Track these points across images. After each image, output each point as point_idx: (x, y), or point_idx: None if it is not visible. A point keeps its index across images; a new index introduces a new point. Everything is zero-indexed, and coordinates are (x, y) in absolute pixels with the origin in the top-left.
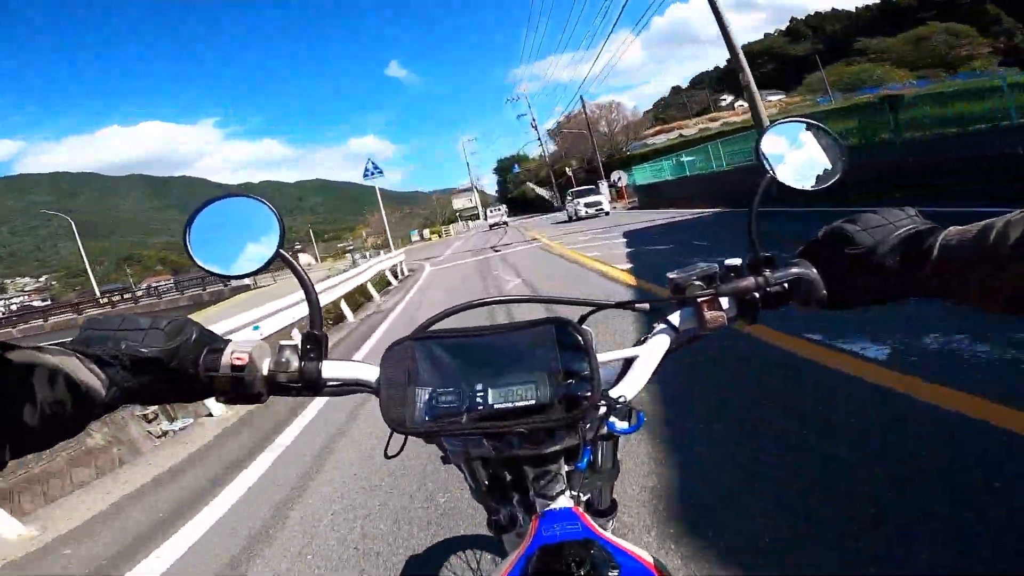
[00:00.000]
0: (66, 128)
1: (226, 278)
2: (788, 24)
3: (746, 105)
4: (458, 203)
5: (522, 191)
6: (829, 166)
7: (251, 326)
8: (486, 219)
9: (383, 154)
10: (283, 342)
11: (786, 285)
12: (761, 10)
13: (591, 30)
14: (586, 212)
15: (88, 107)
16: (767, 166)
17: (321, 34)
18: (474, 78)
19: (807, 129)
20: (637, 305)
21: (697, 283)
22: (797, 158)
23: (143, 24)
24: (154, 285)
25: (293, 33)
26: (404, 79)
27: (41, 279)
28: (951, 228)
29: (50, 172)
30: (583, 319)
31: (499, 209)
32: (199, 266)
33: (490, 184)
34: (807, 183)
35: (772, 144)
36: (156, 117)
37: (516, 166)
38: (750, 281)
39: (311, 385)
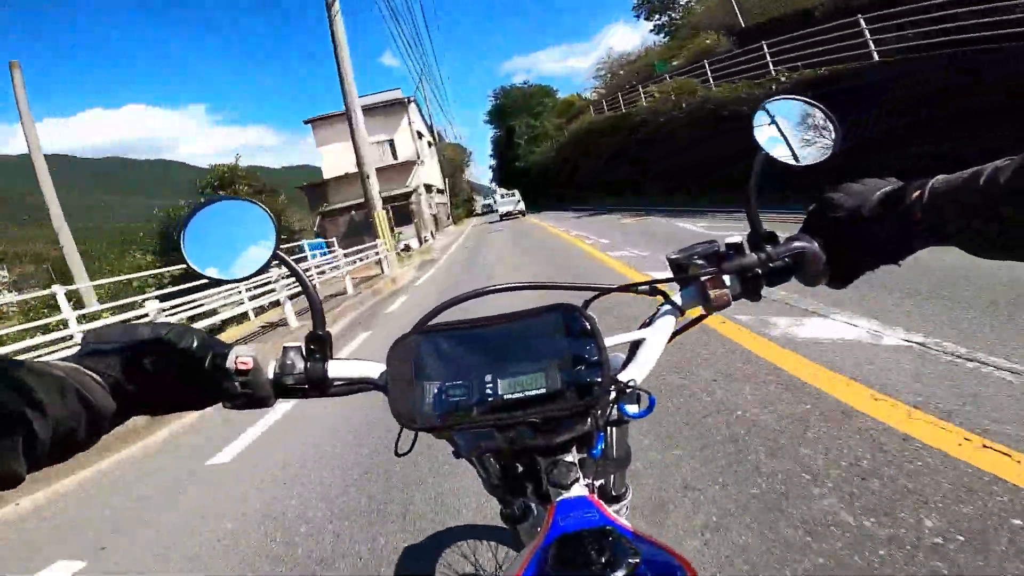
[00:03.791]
0: (48, 110)
1: (223, 282)
2: None
3: None
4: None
5: (565, 135)
6: (823, 144)
7: None
8: (493, 210)
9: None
10: (287, 344)
11: (788, 260)
12: None
13: None
14: None
15: (71, 89)
16: (761, 143)
17: (314, 23)
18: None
19: (801, 106)
20: (640, 287)
21: (699, 262)
22: (791, 135)
23: (134, 10)
24: None
25: (285, 20)
26: (397, 68)
27: None
28: (938, 176)
29: (18, 154)
30: (587, 304)
31: (512, 194)
32: (196, 271)
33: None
34: (800, 160)
35: (766, 121)
36: (142, 101)
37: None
38: (752, 258)
39: (318, 386)
